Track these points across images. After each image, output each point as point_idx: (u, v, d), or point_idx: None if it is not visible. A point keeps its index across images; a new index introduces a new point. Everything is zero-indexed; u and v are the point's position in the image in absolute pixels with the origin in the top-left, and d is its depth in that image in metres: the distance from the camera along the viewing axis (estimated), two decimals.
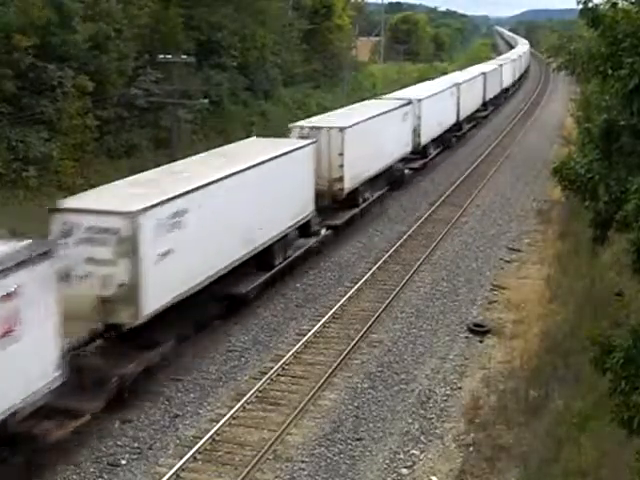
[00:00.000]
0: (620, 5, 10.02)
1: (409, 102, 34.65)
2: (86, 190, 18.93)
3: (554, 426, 13.92)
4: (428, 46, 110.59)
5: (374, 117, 29.85)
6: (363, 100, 40.72)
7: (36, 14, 28.84)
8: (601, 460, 11.91)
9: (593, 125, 11.36)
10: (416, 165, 36.96)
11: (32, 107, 29.45)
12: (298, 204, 23.00)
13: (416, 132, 35.86)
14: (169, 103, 31.60)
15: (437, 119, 39.60)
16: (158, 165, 21.81)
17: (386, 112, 31.50)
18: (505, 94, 69.23)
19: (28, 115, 29.11)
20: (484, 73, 55.87)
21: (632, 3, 10.14)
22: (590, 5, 9.88)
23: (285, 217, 22.08)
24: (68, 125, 30.61)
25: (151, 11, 37.51)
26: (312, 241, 24.50)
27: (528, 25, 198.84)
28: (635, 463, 9.44)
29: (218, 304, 19.35)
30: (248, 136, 31.10)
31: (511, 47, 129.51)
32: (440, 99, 40.36)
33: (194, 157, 21.73)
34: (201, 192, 17.37)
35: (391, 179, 32.89)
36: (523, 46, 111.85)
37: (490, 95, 58.46)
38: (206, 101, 33.34)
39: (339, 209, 27.25)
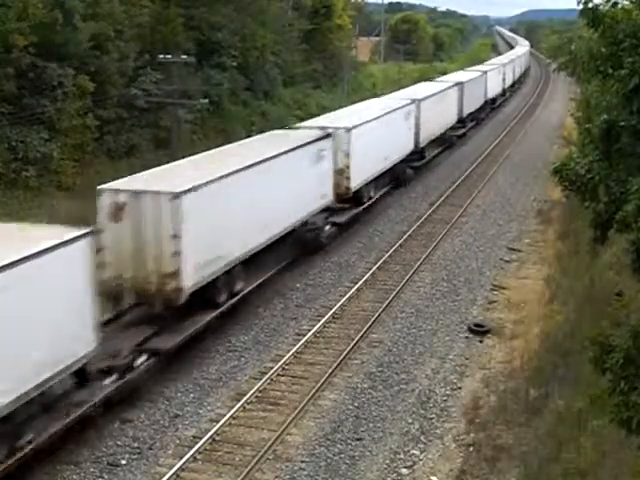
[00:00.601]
0: (620, 5, 10.03)
1: (327, 135, 25.14)
2: (87, 190, 18.73)
3: (554, 426, 13.93)
4: (428, 46, 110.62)
5: (250, 167, 19.77)
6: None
7: (37, 13, 28.83)
8: (601, 460, 11.91)
9: (593, 126, 11.37)
10: (343, 219, 26.80)
11: (32, 107, 29.45)
12: (55, 343, 13.31)
13: (343, 174, 26.52)
14: (169, 103, 31.60)
15: (380, 151, 30.14)
16: (159, 165, 21.71)
17: (280, 155, 21.61)
18: (492, 105, 59.92)
19: (28, 115, 29.12)
20: (460, 83, 46.18)
21: (632, 2, 10.14)
22: (590, 5, 9.89)
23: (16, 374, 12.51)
24: (68, 125, 30.62)
25: (151, 11, 37.55)
26: (103, 392, 14.77)
27: (528, 25, 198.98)
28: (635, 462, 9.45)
29: None
30: (248, 136, 31.08)
31: (511, 47, 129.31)
32: (384, 124, 30.69)
33: None
34: None
35: (298, 244, 23.53)
36: (521, 47, 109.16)
37: (469, 109, 48.64)
38: (206, 101, 33.32)
39: (181, 317, 17.53)
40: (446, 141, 43.20)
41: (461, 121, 46.85)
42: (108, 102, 33.35)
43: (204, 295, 17.92)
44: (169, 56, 31.48)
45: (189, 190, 17.08)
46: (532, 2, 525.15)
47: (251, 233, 20.01)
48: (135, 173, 19.39)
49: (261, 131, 28.93)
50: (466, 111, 47.57)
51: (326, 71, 61.25)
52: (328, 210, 25.54)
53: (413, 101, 35.52)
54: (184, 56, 33.23)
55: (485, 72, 56.07)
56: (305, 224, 23.46)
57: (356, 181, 27.44)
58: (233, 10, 44.87)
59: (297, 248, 23.50)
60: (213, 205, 17.95)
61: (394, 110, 32.75)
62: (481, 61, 78.71)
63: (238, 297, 19.78)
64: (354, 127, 27.20)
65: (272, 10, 50.99)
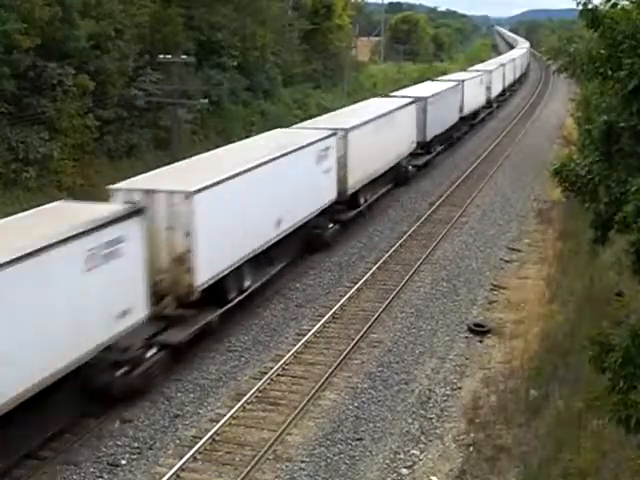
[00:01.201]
0: (620, 5, 10.04)
1: (133, 212, 15.52)
2: (86, 191, 18.65)
3: (554, 426, 13.94)
4: (428, 46, 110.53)
5: None
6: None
7: (43, 15, 28.83)
8: (601, 460, 11.93)
9: (593, 127, 11.39)
10: (181, 336, 17.08)
11: (32, 107, 29.46)
12: None
13: (184, 264, 17.05)
14: (169, 103, 31.63)
15: (263, 214, 20.44)
16: (159, 166, 21.64)
17: (41, 251, 12.93)
18: (472, 120, 51.25)
19: (28, 115, 29.13)
20: (421, 99, 36.89)
21: (632, 2, 10.16)
22: (590, 6, 9.90)
23: None
24: (68, 125, 30.62)
25: (151, 11, 37.55)
26: None
27: (529, 25, 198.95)
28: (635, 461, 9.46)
29: None
30: (248, 136, 31.01)
31: (511, 47, 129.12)
32: (270, 175, 20.58)
33: None
34: None
35: (88, 395, 14.93)
36: (518, 50, 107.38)
37: (436, 130, 39.35)
38: (206, 101, 33.33)
39: None
40: (400, 175, 34.05)
41: (425, 146, 38.09)
42: (108, 102, 33.34)
43: None
44: (169, 56, 31.53)
45: None
46: (532, 2, 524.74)
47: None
48: (137, 174, 19.29)
49: (261, 131, 28.74)
50: (431, 133, 38.48)
51: (326, 71, 61.25)
52: (163, 320, 16.91)
53: (335, 132, 25.36)
54: (184, 56, 33.29)
55: (462, 82, 46.62)
56: (98, 359, 14.70)
57: (208, 272, 17.68)
58: (233, 10, 44.86)
59: (83, 403, 15.04)
60: None
61: (293, 151, 22.30)
62: (481, 61, 78.33)
63: None
64: (200, 190, 17.29)
65: (272, 10, 50.95)
